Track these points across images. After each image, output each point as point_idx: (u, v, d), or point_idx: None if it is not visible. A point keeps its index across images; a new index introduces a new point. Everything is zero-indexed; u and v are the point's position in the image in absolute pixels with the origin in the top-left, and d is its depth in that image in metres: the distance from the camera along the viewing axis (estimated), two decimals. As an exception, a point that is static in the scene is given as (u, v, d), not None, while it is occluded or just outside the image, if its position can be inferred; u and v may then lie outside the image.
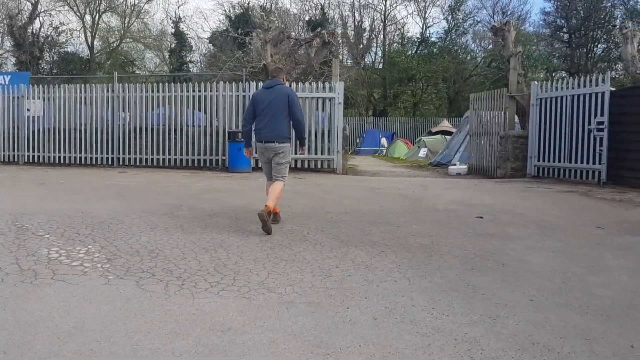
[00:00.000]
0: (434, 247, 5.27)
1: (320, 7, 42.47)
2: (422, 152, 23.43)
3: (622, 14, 40.26)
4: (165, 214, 6.80)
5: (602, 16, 40.63)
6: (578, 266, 4.64)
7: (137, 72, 40.42)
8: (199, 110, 13.49)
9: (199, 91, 13.11)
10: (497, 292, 3.94)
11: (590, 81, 10.28)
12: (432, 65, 36.68)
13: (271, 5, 38.83)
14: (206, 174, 11.83)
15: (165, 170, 12.68)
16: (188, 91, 13.15)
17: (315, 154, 12.72)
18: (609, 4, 40.80)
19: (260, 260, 4.72)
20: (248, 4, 39.29)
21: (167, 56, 42.28)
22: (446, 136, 24.29)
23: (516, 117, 12.91)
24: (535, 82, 11.93)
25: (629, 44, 12.66)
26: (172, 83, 13.44)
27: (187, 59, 42.86)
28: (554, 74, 36.27)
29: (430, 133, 28.86)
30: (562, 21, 42.11)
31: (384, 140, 32.04)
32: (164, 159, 13.23)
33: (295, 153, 7.32)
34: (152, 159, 13.31)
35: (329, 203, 7.70)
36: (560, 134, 10.98)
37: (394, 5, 42.05)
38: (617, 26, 12.71)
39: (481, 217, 6.67)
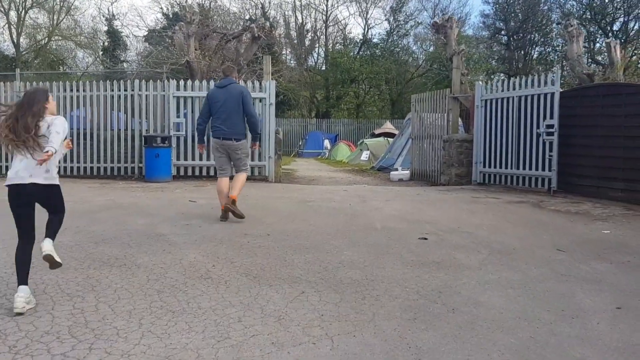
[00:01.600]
0: (369, 283, 4.19)
1: (260, 6, 41.18)
2: (365, 155, 22.66)
3: (558, 16, 41.10)
4: (41, 241, 5.43)
5: (540, 19, 41.33)
6: (546, 310, 3.67)
7: (67, 71, 37.85)
8: (119, 111, 12.01)
9: (111, 90, 11.61)
10: (449, 357, 2.90)
11: (539, 81, 9.56)
12: (375, 67, 36.21)
13: (210, 4, 37.23)
14: (117, 185, 10.38)
15: (72, 181, 11.12)
16: (100, 90, 11.63)
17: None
18: (546, 7, 41.57)
19: (137, 313, 3.51)
20: (185, 1, 37.57)
21: (100, 55, 39.93)
22: (389, 138, 23.61)
23: (460, 119, 12.13)
24: (480, 82, 11.17)
25: (574, 42, 12.13)
26: (97, 82, 11.88)
27: (122, 59, 40.64)
28: (493, 76, 36.42)
29: (373, 135, 28.25)
30: (501, 24, 42.58)
31: (327, 143, 31.14)
32: (72, 167, 11.65)
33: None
34: (60, 168, 11.67)
35: (249, 222, 6.52)
36: (507, 138, 10.22)
37: (336, 6, 41.25)
38: (562, 24, 12.06)
39: (425, 239, 5.67)
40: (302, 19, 41.54)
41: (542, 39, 42.01)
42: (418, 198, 8.73)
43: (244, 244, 5.38)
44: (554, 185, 9.19)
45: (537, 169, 9.53)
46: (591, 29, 38.10)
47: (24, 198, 3.66)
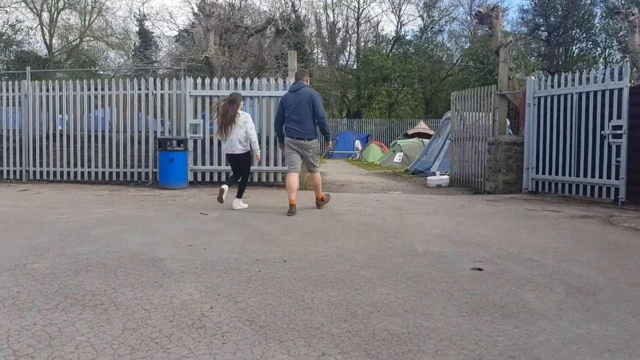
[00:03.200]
0: (412, 339, 3.10)
1: (291, 4, 40.37)
2: (398, 157, 21.48)
3: (602, 11, 39.07)
4: (13, 267, 4.52)
5: (581, 14, 39.35)
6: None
7: (94, 69, 37.79)
8: (136, 111, 11.16)
9: (124, 89, 10.74)
10: None
11: (604, 75, 8.26)
12: (408, 65, 34.93)
13: (240, 3, 36.56)
14: (127, 193, 9.50)
15: (83, 187, 10.32)
16: (113, 89, 10.78)
17: (267, 165, 10.49)
18: (589, 2, 39.59)
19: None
20: (218, 1, 36.91)
21: (131, 55, 39.75)
22: (423, 139, 22.40)
23: (507, 120, 10.86)
24: (532, 78, 9.89)
25: (636, 33, 10.75)
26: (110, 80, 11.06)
27: (153, 59, 40.38)
28: (532, 74, 34.67)
29: (406, 135, 27.09)
30: (541, 19, 40.74)
31: (358, 143, 30.05)
32: (82, 172, 10.85)
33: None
34: (70, 173, 10.91)
35: (265, 241, 5.50)
36: (564, 141, 8.94)
37: (368, 2, 40.07)
38: (622, 13, 10.66)
39: (480, 269, 4.52)
40: (334, 17, 40.55)
41: (584, 35, 40.05)
42: (463, 211, 7.55)
43: (254, 275, 4.34)
44: (622, 196, 7.88)
45: (601, 177, 8.24)
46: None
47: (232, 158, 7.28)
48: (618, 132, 7.85)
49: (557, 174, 9.09)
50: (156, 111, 10.65)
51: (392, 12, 40.32)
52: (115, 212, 7.29)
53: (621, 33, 38.39)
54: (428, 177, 12.65)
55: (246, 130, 7.30)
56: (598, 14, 39.39)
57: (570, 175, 8.80)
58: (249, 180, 10.29)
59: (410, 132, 27.39)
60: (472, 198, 9.27)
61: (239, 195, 7.49)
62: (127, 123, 10.78)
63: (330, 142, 7.48)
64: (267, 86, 10.36)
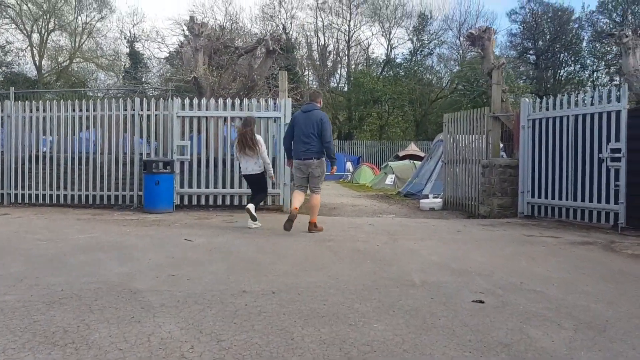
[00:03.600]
0: (413, 389, 2.81)
1: (282, 27, 40.54)
2: (389, 179, 21.27)
3: (590, 35, 39.58)
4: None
5: (569, 38, 39.85)
6: None
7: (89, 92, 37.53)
8: (122, 132, 10.85)
9: (109, 110, 10.44)
10: None
11: (600, 97, 8.11)
12: (398, 87, 35.08)
13: (231, 25, 36.63)
14: (110, 217, 9.15)
15: (65, 211, 9.96)
16: (99, 109, 10.50)
17: (257, 188, 10.18)
18: (576, 25, 40.13)
19: None
20: (207, 22, 36.93)
21: (122, 77, 39.55)
22: (414, 161, 22.26)
23: (500, 142, 10.69)
24: (526, 99, 9.73)
25: (630, 55, 10.66)
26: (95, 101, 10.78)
27: (143, 80, 40.22)
28: (521, 97, 34.85)
29: (398, 157, 26.97)
30: (529, 43, 41.19)
31: (349, 165, 29.83)
32: (65, 196, 10.50)
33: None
34: (53, 196, 10.54)
35: (252, 271, 5.19)
36: (561, 164, 8.75)
37: (358, 26, 40.31)
38: (616, 35, 10.59)
39: (481, 302, 4.24)
40: (325, 40, 40.74)
41: (572, 58, 40.52)
42: (460, 236, 7.29)
43: (240, 309, 4.03)
44: (622, 221, 7.67)
45: (599, 201, 8.03)
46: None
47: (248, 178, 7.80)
48: (617, 155, 7.67)
49: (553, 198, 8.88)
50: (142, 132, 10.37)
51: (382, 35, 40.40)
52: (96, 238, 6.95)
53: (609, 56, 38.93)
54: (421, 200, 12.42)
55: (261, 150, 7.83)
56: (586, 38, 39.92)
57: (567, 199, 8.60)
58: (235, 204, 10.04)
59: (401, 154, 27.30)
60: (467, 222, 9.02)
61: (255, 203, 7.97)
62: (113, 144, 10.48)
63: (335, 167, 7.50)
64: (257, 107, 10.13)
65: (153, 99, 10.41)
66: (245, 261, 5.61)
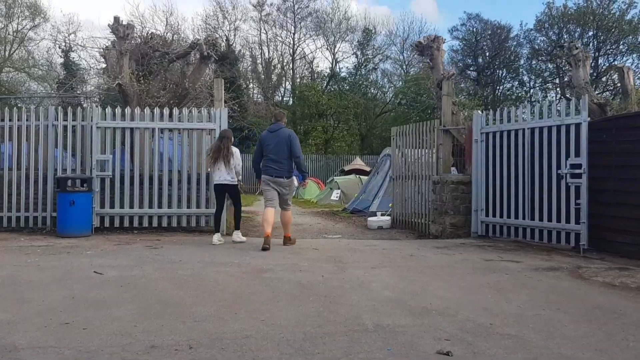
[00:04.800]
0: None
1: (225, 39, 39.47)
2: (335, 195, 20.58)
3: (527, 52, 40.63)
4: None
5: (508, 55, 40.76)
6: None
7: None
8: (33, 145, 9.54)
9: (10, 120, 9.14)
10: None
11: (559, 109, 7.61)
12: (343, 101, 34.67)
13: (172, 36, 35.23)
14: (16, 243, 7.87)
15: (-38, 235, 8.57)
16: (4, 120, 9.18)
17: (189, 207, 9.14)
18: (515, 43, 41.09)
19: None
20: (147, 33, 35.37)
21: (56, 88, 37.24)
22: (360, 176, 21.68)
23: (451, 157, 10.11)
24: (479, 112, 9.17)
25: (580, 67, 10.40)
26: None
27: (78, 92, 37.96)
28: (466, 111, 35.16)
29: (343, 172, 26.40)
30: (470, 59, 41.85)
31: (294, 180, 28.89)
32: (-35, 217, 9.10)
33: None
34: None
35: (168, 315, 4.20)
36: (517, 181, 8.19)
37: (303, 39, 39.73)
38: (565, 47, 10.30)
39: (448, 354, 3.44)
40: (269, 53, 39.97)
41: (511, 75, 41.47)
42: (413, 262, 6.51)
43: (142, 376, 3.06)
44: (583, 243, 7.12)
45: (559, 221, 7.48)
46: (559, 64, 37.66)
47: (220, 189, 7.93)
48: (577, 171, 7.15)
49: (509, 217, 8.31)
50: (58, 145, 9.13)
51: (327, 49, 39.98)
52: (-18, 272, 5.74)
53: (546, 73, 40.07)
54: (368, 218, 11.68)
55: (235, 163, 7.89)
56: (524, 55, 40.92)
57: (524, 218, 8.03)
58: (163, 225, 8.97)
59: (347, 168, 26.77)
60: (420, 244, 8.29)
61: (237, 227, 8.08)
62: (23, 159, 9.19)
63: (307, 182, 8.96)
64: (189, 117, 9.12)
65: (70, 107, 9.20)
66: (162, 301, 4.61)
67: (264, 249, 7.15)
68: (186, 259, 6.57)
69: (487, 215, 8.73)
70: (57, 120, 9.09)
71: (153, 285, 5.17)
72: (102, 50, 10.43)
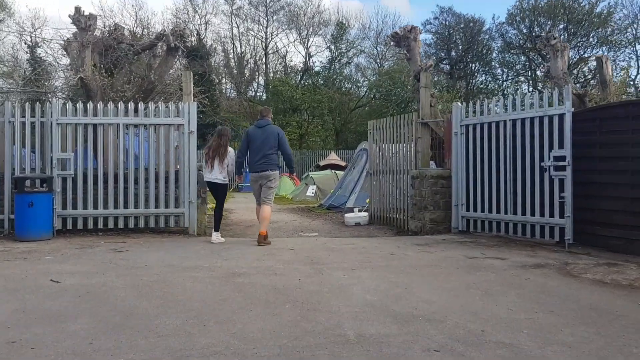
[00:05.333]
0: None
1: (196, 32, 38.74)
2: (311, 190, 20.22)
3: (499, 45, 40.84)
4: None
5: (480, 48, 40.89)
6: None
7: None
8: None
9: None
10: None
11: (541, 99, 7.36)
12: (317, 96, 34.30)
13: (142, 30, 34.36)
14: (-35, 249, 7.32)
15: None
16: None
17: (157, 207, 8.67)
18: (487, 36, 41.24)
19: None
20: (111, 25, 34.40)
21: (22, 85, 35.89)
22: (336, 171, 21.37)
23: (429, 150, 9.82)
24: (458, 103, 8.90)
25: (558, 57, 10.20)
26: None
27: (45, 89, 36.70)
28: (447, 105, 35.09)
29: (318, 167, 26.10)
30: (443, 53, 41.86)
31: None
32: None
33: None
34: None
35: (129, 328, 3.79)
36: (498, 174, 7.94)
37: (275, 33, 39.16)
38: (542, 37, 10.08)
39: (441, 368, 3.11)
40: (241, 47, 39.32)
41: (483, 69, 41.67)
42: (395, 262, 6.19)
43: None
44: (569, 237, 6.89)
45: (542, 215, 7.25)
46: (531, 57, 37.94)
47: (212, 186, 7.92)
48: (561, 163, 6.91)
49: (490, 211, 8.06)
50: (16, 142, 8.56)
51: (300, 43, 39.52)
52: None
53: (518, 66, 40.34)
54: (345, 215, 11.35)
55: (228, 162, 7.89)
56: (496, 48, 41.12)
57: (506, 212, 7.79)
58: (130, 226, 8.50)
59: (322, 163, 26.48)
60: (399, 242, 7.99)
61: (217, 229, 7.94)
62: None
63: (294, 175, 8.18)
64: (156, 112, 8.63)
65: (27, 103, 8.64)
66: (123, 312, 4.19)
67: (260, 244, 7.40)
68: (152, 262, 6.13)
69: (467, 210, 8.48)
70: (14, 117, 8.51)
71: (114, 294, 4.74)
72: (64, 42, 9.77)
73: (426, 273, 5.54)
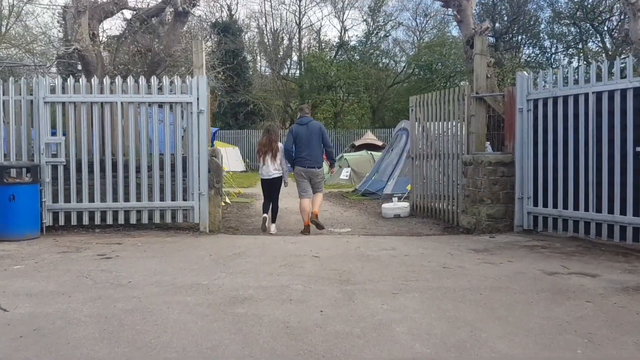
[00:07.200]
0: None
1: (227, 8, 37.44)
2: (345, 173, 18.88)
3: (549, 16, 38.19)
4: None
5: (528, 19, 38.34)
6: None
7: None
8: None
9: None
10: None
11: (637, 67, 5.72)
12: (353, 72, 32.58)
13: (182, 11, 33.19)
14: None
15: None
16: None
17: (162, 200, 7.42)
18: (535, 6, 38.61)
19: None
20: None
21: (55, 64, 35.45)
22: (372, 152, 19.91)
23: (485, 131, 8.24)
24: (524, 72, 7.27)
25: (639, 18, 8.41)
26: None
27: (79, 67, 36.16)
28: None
29: (354, 147, 24.69)
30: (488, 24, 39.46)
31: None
32: None
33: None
34: None
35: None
36: (576, 162, 6.35)
37: (309, 7, 37.44)
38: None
39: None
40: (273, 23, 37.81)
41: (530, 41, 39.13)
42: (450, 282, 4.69)
43: None
44: (677, 244, 5.31)
45: (637, 214, 5.65)
46: (583, 28, 35.31)
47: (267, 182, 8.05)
48: (667, 148, 5.30)
49: (565, 207, 6.48)
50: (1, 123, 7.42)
51: (335, 16, 37.74)
52: None
53: (569, 37, 37.59)
54: (383, 205, 9.91)
55: (282, 157, 8.02)
56: (544, 19, 38.53)
57: (587, 210, 6.20)
58: (132, 222, 7.28)
59: (357, 143, 25.07)
60: (451, 245, 6.50)
61: (274, 220, 8.08)
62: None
63: (335, 168, 8.48)
64: (160, 89, 7.35)
65: (12, 78, 7.45)
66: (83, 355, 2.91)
67: (304, 233, 7.75)
68: (139, 277, 4.85)
69: (535, 204, 6.92)
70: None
71: (69, 334, 3.46)
72: (61, 9, 8.55)
73: (496, 302, 4.07)
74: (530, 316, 3.73)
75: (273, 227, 7.97)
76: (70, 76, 7.46)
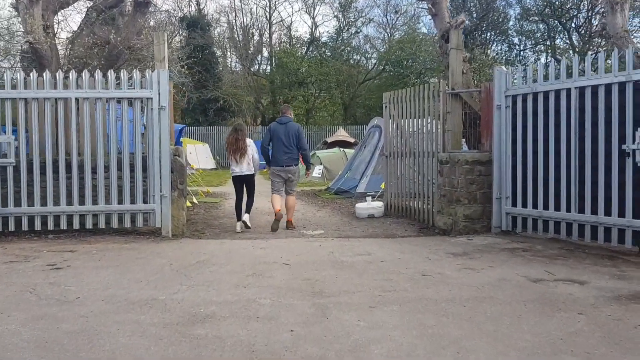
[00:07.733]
0: None
1: (195, 2, 36.67)
2: (317, 171, 18.51)
3: (517, 13, 38.48)
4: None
5: (496, 17, 38.55)
6: None
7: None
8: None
9: None
10: None
11: (622, 60, 5.47)
12: (324, 68, 32.24)
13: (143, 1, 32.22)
14: None
15: None
16: None
17: (120, 202, 6.92)
18: (504, 3, 38.84)
19: None
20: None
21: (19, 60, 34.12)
22: (344, 149, 19.64)
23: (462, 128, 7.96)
24: (503, 67, 6.99)
25: (617, 12, 8.25)
26: None
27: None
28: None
29: (326, 144, 24.38)
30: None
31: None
32: None
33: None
34: None
35: None
36: (557, 160, 6.10)
37: (280, 2, 36.90)
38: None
39: None
40: (243, 18, 37.17)
41: (499, 38, 39.36)
42: (430, 291, 4.36)
43: None
44: (663, 247, 5.09)
45: (622, 215, 5.43)
46: (552, 25, 35.66)
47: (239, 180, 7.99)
48: (652, 146, 5.06)
49: (546, 207, 6.23)
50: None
51: (306, 12, 37.29)
52: None
53: (537, 34, 37.94)
54: (357, 205, 9.56)
55: (252, 153, 8.02)
56: (513, 16, 38.81)
57: (569, 210, 5.96)
58: (88, 227, 6.77)
59: (329, 140, 24.75)
60: (428, 248, 6.18)
61: (248, 211, 7.97)
62: None
63: (311, 171, 8.68)
64: (115, 83, 6.84)
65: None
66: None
67: (273, 227, 7.69)
68: (90, 291, 4.39)
69: (514, 204, 6.66)
70: (-63, 90, 6.74)
71: (18, 346, 3.01)
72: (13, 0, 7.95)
73: (481, 315, 3.75)
74: (520, 332, 3.42)
75: (247, 217, 7.90)
76: (34, 70, 6.91)
